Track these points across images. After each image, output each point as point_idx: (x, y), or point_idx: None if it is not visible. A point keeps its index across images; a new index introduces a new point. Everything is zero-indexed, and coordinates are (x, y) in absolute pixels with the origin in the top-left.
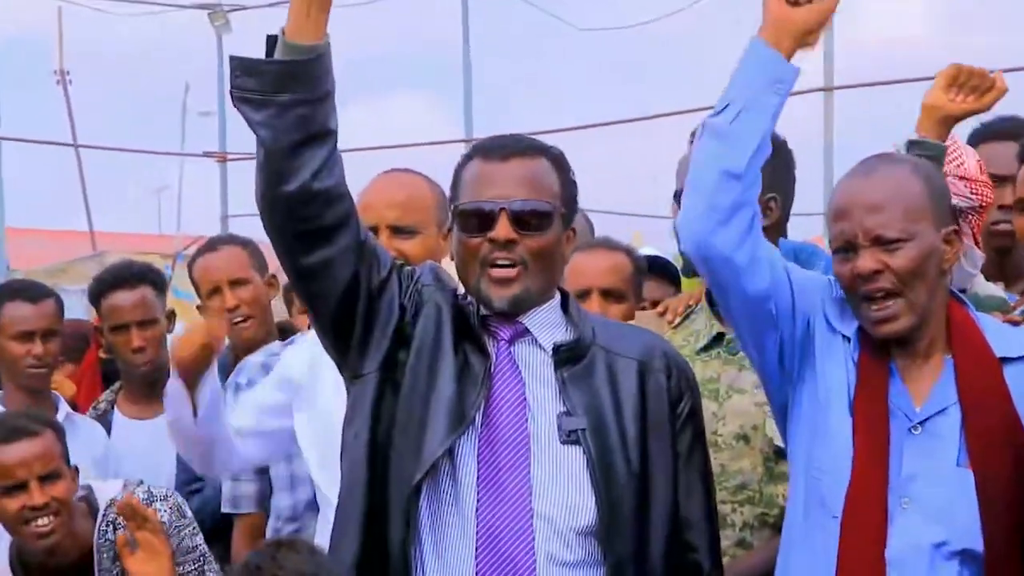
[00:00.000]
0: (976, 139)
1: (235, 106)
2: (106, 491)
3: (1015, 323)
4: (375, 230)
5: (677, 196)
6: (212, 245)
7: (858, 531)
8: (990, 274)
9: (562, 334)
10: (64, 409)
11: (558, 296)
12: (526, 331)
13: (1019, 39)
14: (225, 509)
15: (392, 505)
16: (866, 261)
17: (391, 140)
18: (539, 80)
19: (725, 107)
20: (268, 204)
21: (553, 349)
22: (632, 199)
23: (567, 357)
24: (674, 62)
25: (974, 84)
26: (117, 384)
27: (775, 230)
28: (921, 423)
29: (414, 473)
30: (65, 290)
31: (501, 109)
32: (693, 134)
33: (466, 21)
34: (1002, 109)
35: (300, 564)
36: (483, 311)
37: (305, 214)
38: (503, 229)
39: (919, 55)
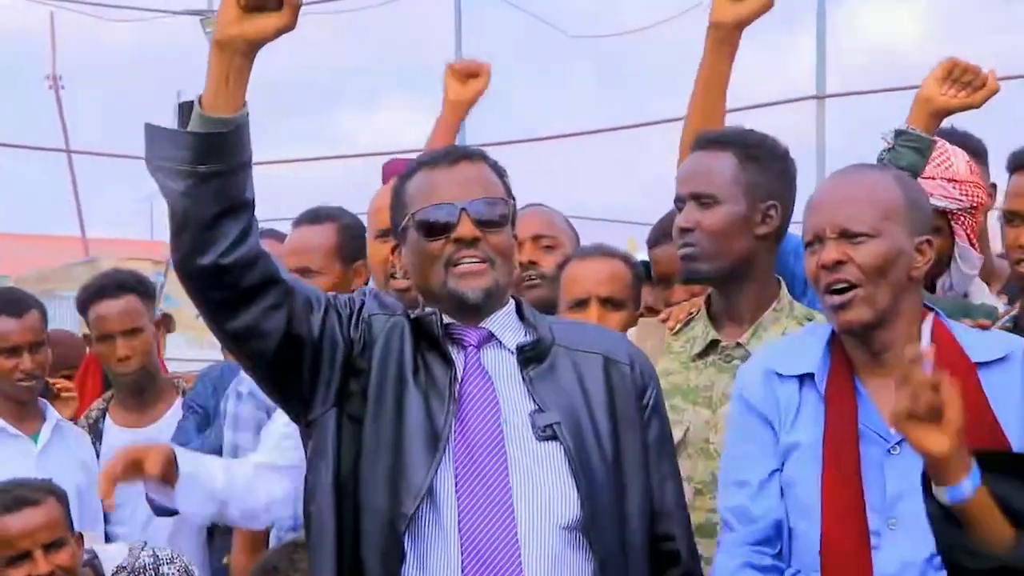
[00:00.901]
0: None
1: (151, 174)
2: (111, 556)
3: (984, 327)
4: (388, 232)
5: (676, 203)
6: None
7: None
8: None
9: (523, 336)
10: (53, 418)
11: (513, 302)
12: (491, 335)
13: (1012, 47)
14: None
15: (367, 536)
16: (830, 252)
17: (383, 146)
18: (530, 86)
19: None
20: (185, 275)
21: (517, 350)
22: (625, 205)
23: (531, 356)
24: (666, 69)
25: (967, 80)
26: (109, 393)
27: (774, 238)
28: (899, 443)
29: (402, 503)
30: (58, 296)
31: (492, 115)
32: (695, 140)
33: (458, 27)
34: (998, 116)
35: None
36: (446, 319)
37: (224, 282)
38: (467, 228)
39: (912, 63)
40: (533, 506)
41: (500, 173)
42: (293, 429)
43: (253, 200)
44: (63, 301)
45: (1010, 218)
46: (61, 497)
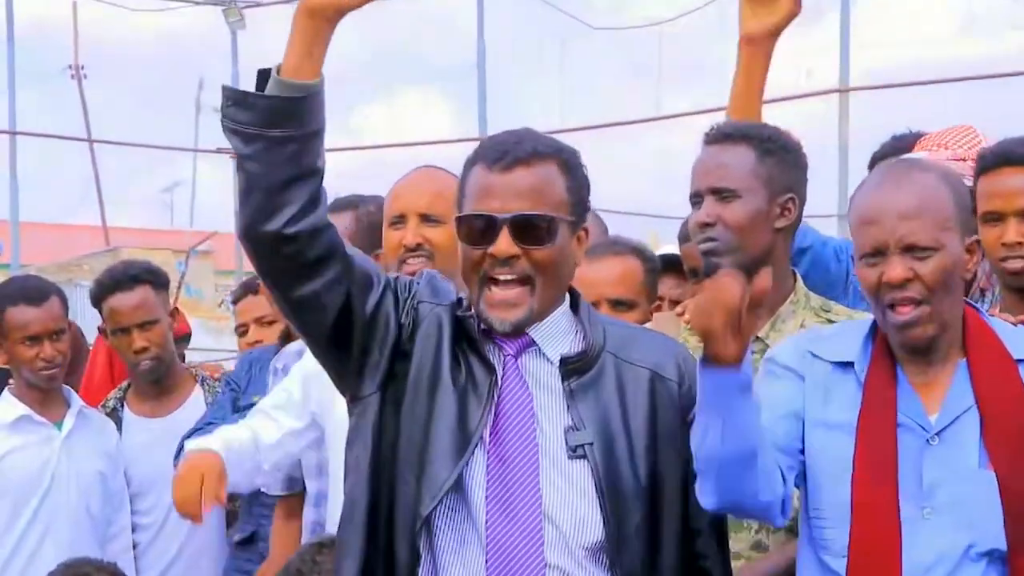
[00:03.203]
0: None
1: (225, 136)
2: None
3: None
4: (403, 218)
5: (692, 198)
6: None
7: (866, 562)
8: None
9: (570, 342)
10: (77, 404)
11: (567, 300)
12: (532, 342)
13: None
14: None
15: (398, 530)
16: (896, 269)
17: (405, 137)
18: (554, 78)
19: (705, 434)
20: (251, 241)
21: (560, 361)
22: (648, 199)
23: (574, 368)
24: (689, 61)
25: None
26: (126, 383)
27: (791, 231)
28: (938, 434)
29: (421, 501)
30: (80, 285)
31: (515, 107)
32: (705, 135)
33: (481, 18)
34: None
35: None
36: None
37: (288, 251)
38: (504, 244)
39: (936, 57)
40: (559, 521)
41: (569, 171)
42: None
43: (323, 169)
44: (84, 290)
45: (990, 219)
46: None
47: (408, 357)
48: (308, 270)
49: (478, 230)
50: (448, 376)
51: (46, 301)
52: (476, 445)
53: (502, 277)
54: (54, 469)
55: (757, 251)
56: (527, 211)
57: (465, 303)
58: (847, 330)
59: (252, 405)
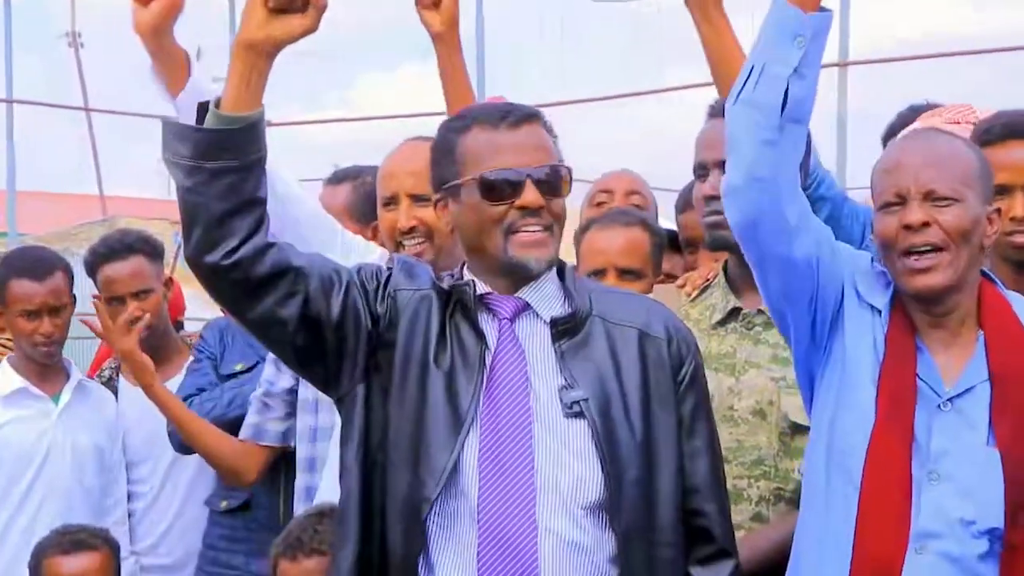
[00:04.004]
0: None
1: (168, 169)
2: None
3: None
4: (395, 198)
5: (697, 170)
6: None
7: (879, 498)
8: None
9: (560, 306)
10: (76, 376)
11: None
12: (527, 306)
13: None
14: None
15: (391, 515)
16: (916, 213)
17: (401, 109)
18: (551, 51)
19: (748, 74)
20: (195, 269)
21: (551, 322)
22: (644, 173)
23: (565, 329)
24: (688, 35)
25: None
26: None
27: None
28: (951, 400)
29: (424, 486)
30: (76, 254)
31: (513, 79)
32: (711, 107)
33: None
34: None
35: None
36: (480, 290)
37: (234, 277)
38: (532, 195)
39: (936, 31)
40: (556, 482)
41: (552, 134)
42: None
43: (265, 198)
44: (79, 260)
45: (995, 191)
46: (115, 549)
47: (391, 347)
48: (257, 290)
49: (504, 186)
50: (435, 360)
51: (50, 277)
52: (471, 424)
53: (530, 228)
54: (49, 442)
55: None
56: (547, 164)
57: (451, 277)
58: (880, 280)
59: (234, 375)
